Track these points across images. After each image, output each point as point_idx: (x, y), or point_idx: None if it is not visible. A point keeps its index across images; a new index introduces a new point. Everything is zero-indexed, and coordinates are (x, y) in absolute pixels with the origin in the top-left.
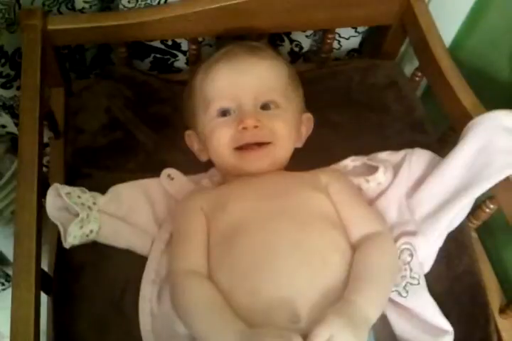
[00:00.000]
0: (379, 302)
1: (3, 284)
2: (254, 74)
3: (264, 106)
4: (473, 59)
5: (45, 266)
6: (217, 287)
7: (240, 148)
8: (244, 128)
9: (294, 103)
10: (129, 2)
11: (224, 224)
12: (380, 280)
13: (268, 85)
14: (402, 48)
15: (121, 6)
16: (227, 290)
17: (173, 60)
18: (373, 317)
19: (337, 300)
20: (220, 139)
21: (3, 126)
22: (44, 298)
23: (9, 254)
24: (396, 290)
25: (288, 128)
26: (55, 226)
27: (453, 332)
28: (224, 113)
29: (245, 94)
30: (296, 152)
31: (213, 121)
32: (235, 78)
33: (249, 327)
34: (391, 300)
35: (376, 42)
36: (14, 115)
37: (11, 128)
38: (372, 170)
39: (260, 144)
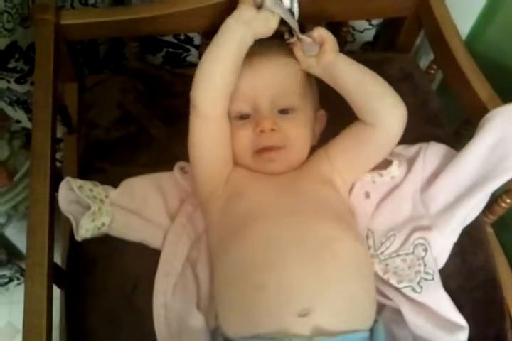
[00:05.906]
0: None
1: (18, 279)
2: (270, 77)
3: (282, 110)
4: (490, 51)
5: (58, 259)
6: (216, 274)
7: (258, 151)
8: (262, 131)
9: (310, 102)
10: None
11: (236, 213)
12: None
13: (284, 87)
14: (417, 41)
15: (133, 1)
16: (228, 280)
17: (185, 54)
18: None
19: (347, 292)
20: (241, 142)
21: (18, 122)
22: (57, 292)
23: (25, 249)
24: (410, 286)
25: (304, 132)
26: (68, 219)
27: (468, 327)
28: (242, 116)
29: (262, 97)
30: (311, 147)
31: (231, 123)
32: (251, 80)
33: (253, 324)
34: (405, 296)
35: (391, 35)
36: (28, 110)
37: (26, 123)
38: (386, 163)
39: (275, 147)
